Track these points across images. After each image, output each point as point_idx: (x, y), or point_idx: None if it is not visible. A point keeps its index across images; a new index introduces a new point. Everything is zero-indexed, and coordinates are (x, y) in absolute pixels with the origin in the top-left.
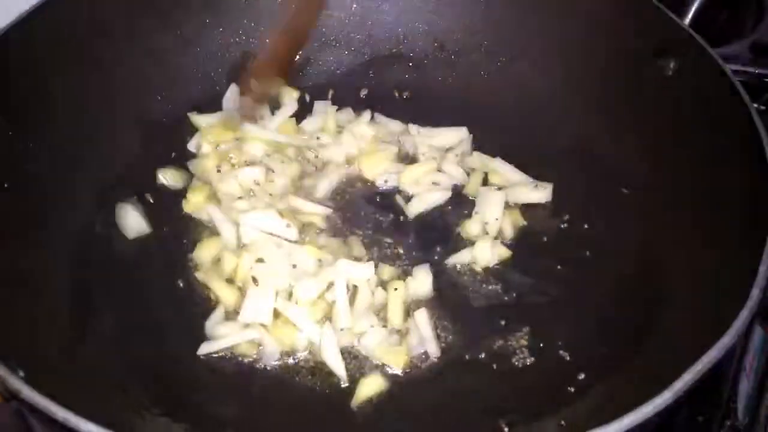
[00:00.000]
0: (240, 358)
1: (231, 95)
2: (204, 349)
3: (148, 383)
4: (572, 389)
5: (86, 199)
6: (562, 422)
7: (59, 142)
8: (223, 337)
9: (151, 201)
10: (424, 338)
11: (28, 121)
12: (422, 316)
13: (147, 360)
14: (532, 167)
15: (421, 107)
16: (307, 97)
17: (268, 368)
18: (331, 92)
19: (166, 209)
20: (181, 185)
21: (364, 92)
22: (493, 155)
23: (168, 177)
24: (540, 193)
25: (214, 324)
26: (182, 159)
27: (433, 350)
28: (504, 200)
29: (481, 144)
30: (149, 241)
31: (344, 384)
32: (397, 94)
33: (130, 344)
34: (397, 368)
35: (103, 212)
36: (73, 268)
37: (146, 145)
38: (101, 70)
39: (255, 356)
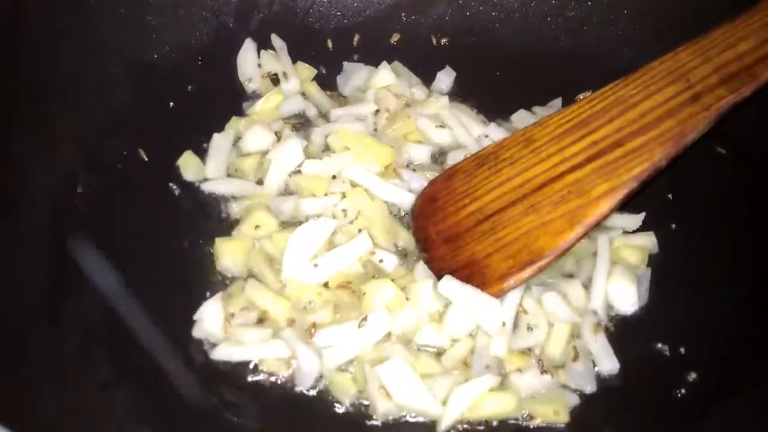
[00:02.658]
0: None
1: (247, 53)
2: (220, 353)
3: (136, 382)
4: (682, 392)
5: (67, 154)
6: None
7: (33, 85)
8: (247, 344)
9: (145, 159)
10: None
11: None
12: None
13: (137, 352)
14: None
15: (461, 56)
16: (330, 44)
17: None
18: (356, 38)
19: (164, 168)
20: (200, 178)
21: (395, 38)
22: None
23: (187, 167)
24: None
25: (208, 324)
26: (183, 114)
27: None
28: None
29: (539, 99)
30: (143, 203)
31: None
32: (434, 41)
33: (117, 331)
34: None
35: (87, 170)
36: (52, 234)
37: (139, 93)
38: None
39: (285, 376)
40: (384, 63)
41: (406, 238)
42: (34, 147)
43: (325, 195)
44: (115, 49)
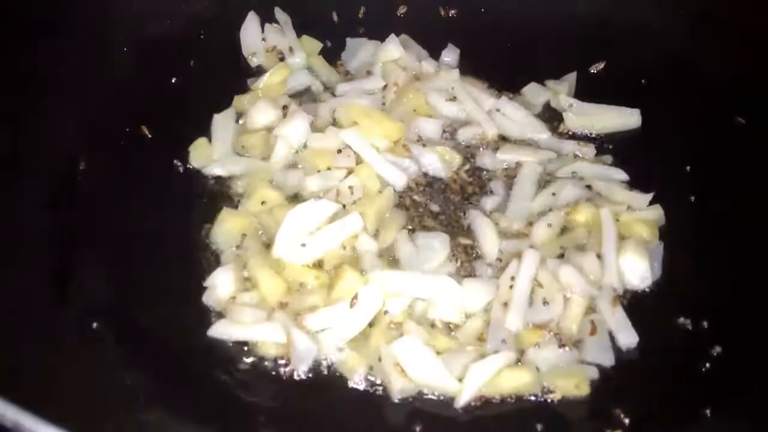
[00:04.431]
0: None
1: (250, 27)
2: (216, 331)
3: (144, 362)
4: (707, 366)
5: (68, 131)
6: (707, 412)
7: (34, 62)
8: (243, 324)
9: (149, 135)
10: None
11: None
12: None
13: (144, 332)
14: (618, 92)
15: (470, 28)
16: (335, 16)
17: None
18: (362, 10)
19: (168, 145)
20: (209, 164)
21: (402, 10)
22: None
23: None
24: (626, 119)
25: (220, 292)
26: (186, 90)
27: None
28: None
29: (552, 72)
30: (147, 181)
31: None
32: (442, 12)
33: (122, 311)
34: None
35: (89, 147)
36: (54, 213)
37: (140, 68)
38: None
39: (281, 359)
40: (392, 36)
41: (397, 228)
42: (35, 125)
43: (329, 169)
44: (114, 23)
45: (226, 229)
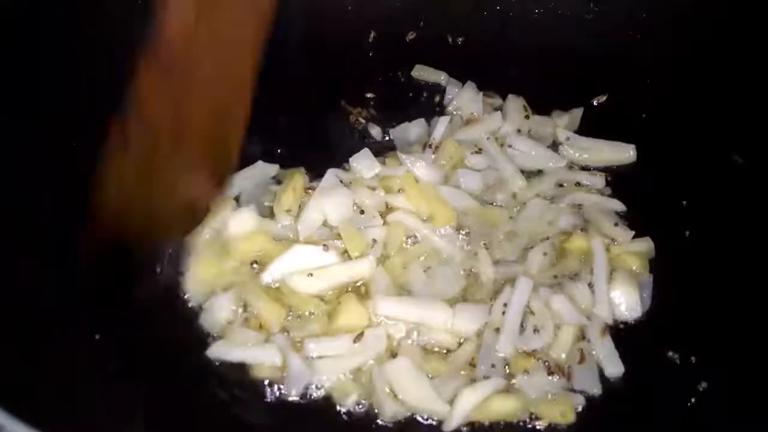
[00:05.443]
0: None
1: None
2: (215, 352)
3: (145, 375)
4: (692, 401)
5: (80, 150)
6: None
7: (45, 81)
8: (240, 345)
9: None
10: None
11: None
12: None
13: (145, 348)
14: (615, 128)
15: (477, 56)
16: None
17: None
18: (372, 35)
19: None
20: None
21: (410, 36)
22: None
23: None
24: (621, 154)
25: (216, 316)
26: None
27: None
28: None
29: (554, 103)
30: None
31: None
32: (450, 39)
33: (128, 323)
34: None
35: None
36: (64, 229)
37: None
38: None
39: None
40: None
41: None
42: (48, 142)
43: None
44: (128, 42)
45: (199, 282)
